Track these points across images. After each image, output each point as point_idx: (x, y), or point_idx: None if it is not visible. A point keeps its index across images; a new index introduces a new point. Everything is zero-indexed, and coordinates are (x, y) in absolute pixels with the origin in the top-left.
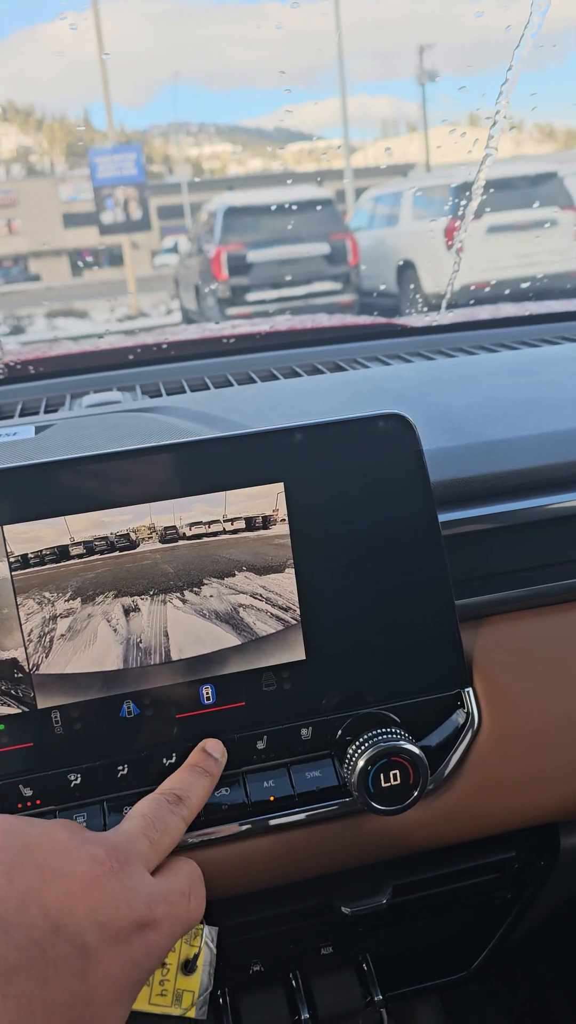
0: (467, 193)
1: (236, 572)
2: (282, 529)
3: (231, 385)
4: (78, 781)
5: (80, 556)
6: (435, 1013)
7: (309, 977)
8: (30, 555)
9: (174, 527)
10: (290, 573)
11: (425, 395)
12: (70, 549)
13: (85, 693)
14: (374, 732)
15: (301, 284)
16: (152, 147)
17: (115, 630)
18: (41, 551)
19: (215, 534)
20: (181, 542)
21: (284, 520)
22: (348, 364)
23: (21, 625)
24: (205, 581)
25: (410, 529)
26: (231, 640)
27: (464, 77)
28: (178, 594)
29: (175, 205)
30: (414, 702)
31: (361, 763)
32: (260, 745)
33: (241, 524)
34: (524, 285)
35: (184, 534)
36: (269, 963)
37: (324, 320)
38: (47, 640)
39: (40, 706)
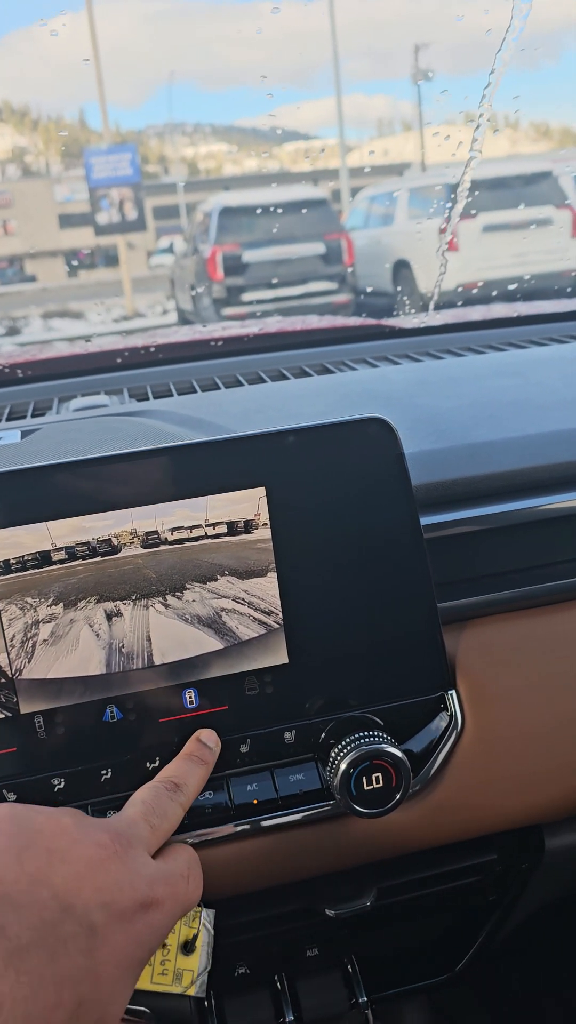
0: (452, 196)
1: (218, 576)
2: (264, 533)
3: (218, 388)
4: (62, 785)
5: (62, 561)
6: (421, 1015)
7: (294, 979)
8: (12, 561)
9: (156, 532)
10: (272, 577)
11: (412, 397)
12: (52, 554)
13: (68, 698)
14: (357, 735)
15: (297, 284)
16: (148, 147)
17: (97, 635)
18: (23, 557)
19: (197, 539)
20: (163, 547)
21: (266, 524)
22: (336, 366)
23: (3, 630)
24: (187, 586)
25: (392, 533)
26: (214, 644)
27: (461, 76)
28: (160, 599)
29: (171, 205)
30: (397, 705)
31: (343, 766)
32: (243, 748)
33: (223, 529)
34: (511, 287)
35: (166, 539)
36: (254, 965)
37: (314, 322)
38: (30, 645)
39: (23, 711)
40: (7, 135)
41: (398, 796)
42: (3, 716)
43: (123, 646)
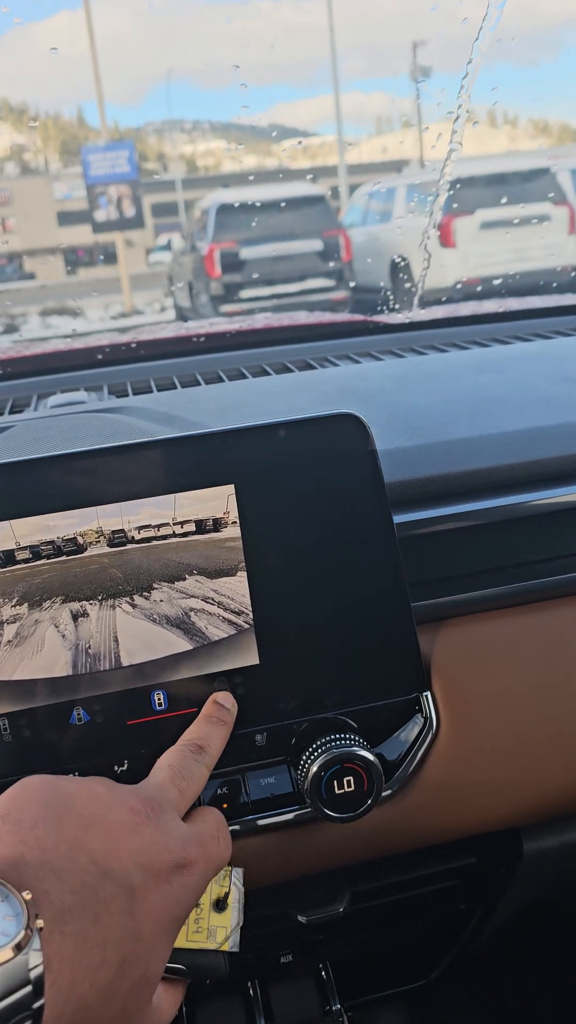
0: (434, 189)
1: (187, 576)
2: (233, 532)
3: (199, 384)
4: None
5: (26, 561)
6: (396, 1021)
7: (267, 986)
8: None
9: (122, 531)
10: (242, 576)
11: (389, 394)
12: (16, 554)
13: (34, 700)
14: (329, 738)
15: (294, 281)
16: (146, 144)
17: (63, 636)
18: None
19: (165, 537)
20: (130, 546)
21: (235, 523)
22: (318, 362)
23: None
24: (155, 585)
25: (364, 531)
26: (182, 645)
27: (460, 74)
28: (127, 599)
29: (169, 202)
30: (371, 707)
31: (314, 769)
32: None
33: (191, 527)
34: (510, 281)
35: (133, 537)
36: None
37: (301, 318)
38: None
39: None
40: (5, 133)
41: (369, 801)
42: None
43: (90, 647)
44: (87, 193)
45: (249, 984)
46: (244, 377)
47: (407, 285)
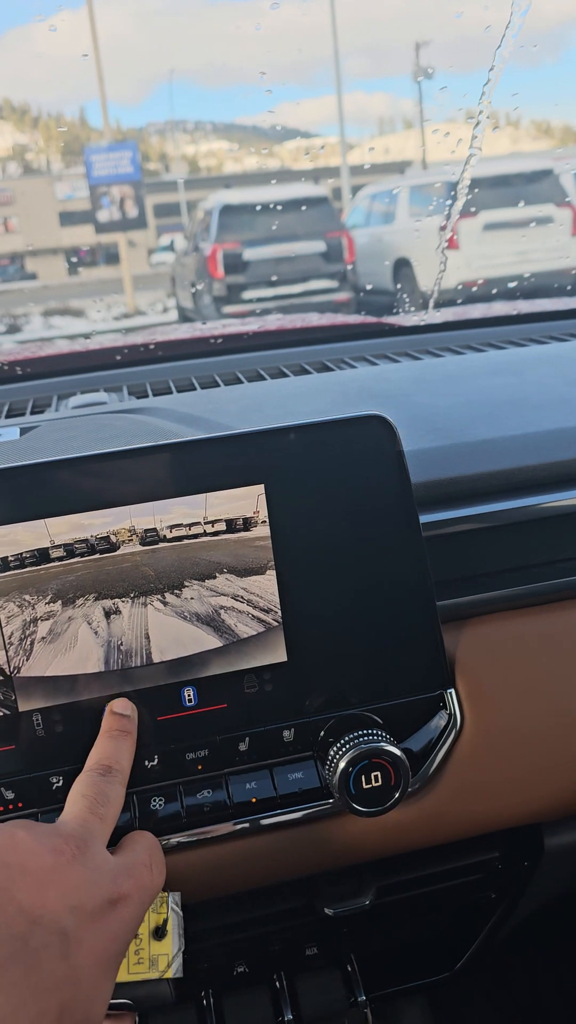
0: (452, 193)
1: (217, 574)
2: (263, 531)
3: (218, 386)
4: (60, 783)
5: (60, 559)
6: (420, 1013)
7: (293, 978)
8: (10, 558)
9: (154, 529)
10: (271, 575)
11: (410, 395)
12: (50, 552)
13: (67, 695)
14: (356, 733)
15: (297, 282)
16: (148, 145)
17: (96, 633)
18: (21, 554)
19: (196, 536)
20: (162, 544)
21: (265, 522)
22: (335, 364)
23: (1, 628)
24: (186, 583)
25: (391, 530)
26: (212, 642)
27: (461, 73)
28: (159, 596)
29: (171, 203)
30: (396, 703)
31: (342, 764)
32: (242, 747)
33: (222, 526)
34: (511, 284)
35: (165, 536)
36: (253, 964)
37: (314, 319)
38: (28, 643)
39: (21, 709)
40: (8, 133)
41: (397, 795)
42: (1, 714)
43: (121, 644)
44: (90, 193)
45: (275, 976)
46: (262, 379)
47: (410, 287)
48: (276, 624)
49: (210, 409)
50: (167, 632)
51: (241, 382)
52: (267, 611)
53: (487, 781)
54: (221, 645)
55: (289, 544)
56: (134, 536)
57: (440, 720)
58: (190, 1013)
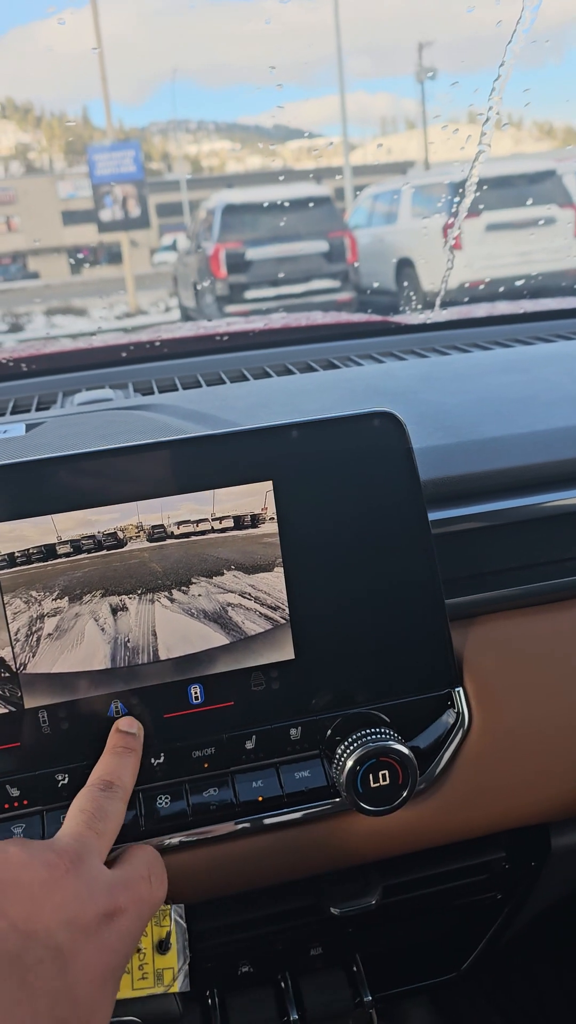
0: (460, 190)
1: (225, 571)
2: (271, 528)
3: (224, 383)
4: (65, 781)
5: (67, 555)
6: (425, 1014)
7: (298, 978)
8: (16, 554)
9: (162, 526)
10: (279, 572)
11: (417, 393)
12: (57, 548)
13: (73, 693)
14: (363, 732)
15: (300, 282)
16: (151, 144)
17: (103, 629)
18: (28, 550)
19: (203, 533)
20: (169, 541)
21: (273, 519)
22: (341, 362)
23: (8, 624)
24: (193, 580)
25: (400, 527)
26: (219, 639)
27: (462, 73)
28: (166, 593)
29: (174, 202)
30: (404, 702)
31: (350, 763)
32: (249, 745)
33: (230, 523)
34: (519, 283)
35: (172, 533)
36: (258, 964)
37: (318, 318)
38: (34, 639)
39: (27, 706)
40: (10, 132)
41: (405, 794)
42: (7, 711)
43: (128, 641)
44: (93, 193)
45: (280, 976)
46: (268, 376)
47: (414, 287)
48: (284, 621)
49: (217, 406)
50: (174, 629)
51: (247, 379)
52: (275, 608)
53: (495, 780)
54: (228, 642)
55: (297, 541)
56: (141, 532)
57: (448, 719)
58: (195, 1012)
